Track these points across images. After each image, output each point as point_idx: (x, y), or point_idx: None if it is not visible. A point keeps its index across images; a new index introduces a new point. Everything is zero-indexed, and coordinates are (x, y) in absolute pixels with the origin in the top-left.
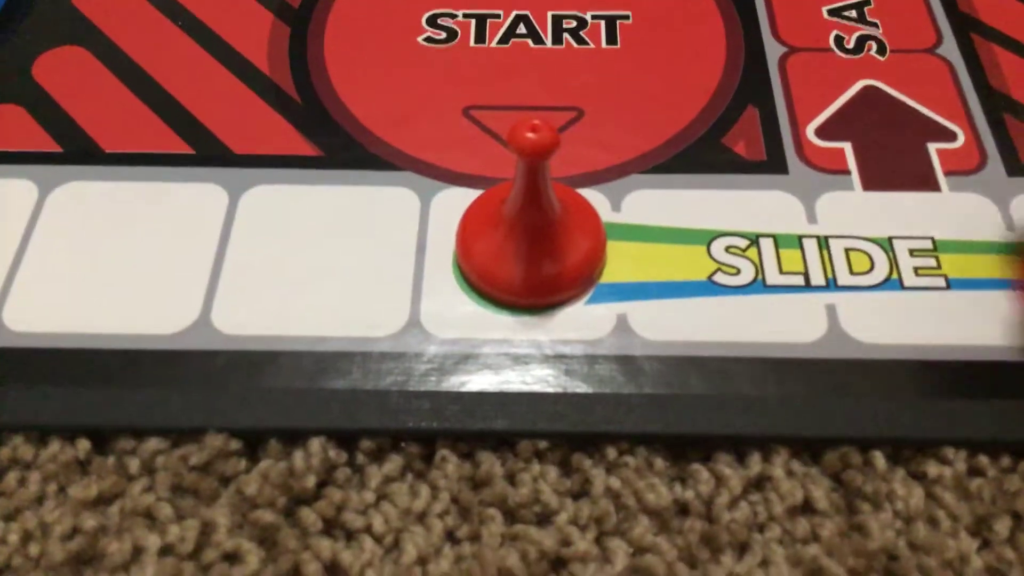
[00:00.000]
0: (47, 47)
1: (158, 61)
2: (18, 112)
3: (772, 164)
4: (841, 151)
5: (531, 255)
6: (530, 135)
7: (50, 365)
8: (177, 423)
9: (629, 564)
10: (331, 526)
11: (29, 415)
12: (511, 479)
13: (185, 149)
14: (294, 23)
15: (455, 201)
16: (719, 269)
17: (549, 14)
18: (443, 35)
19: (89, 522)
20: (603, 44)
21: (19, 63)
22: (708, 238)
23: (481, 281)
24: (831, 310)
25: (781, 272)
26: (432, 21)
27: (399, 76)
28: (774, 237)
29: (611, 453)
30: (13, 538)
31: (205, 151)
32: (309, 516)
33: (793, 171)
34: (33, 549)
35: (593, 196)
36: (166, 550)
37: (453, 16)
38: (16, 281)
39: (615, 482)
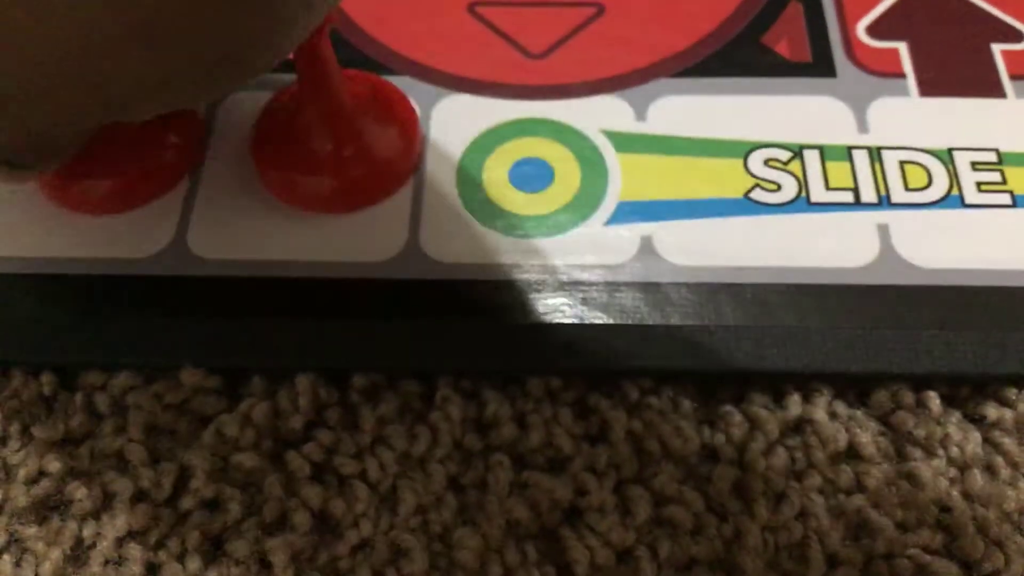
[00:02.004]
0: None
1: None
2: None
3: (818, 66)
4: (895, 51)
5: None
6: None
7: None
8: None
9: (651, 515)
10: (321, 471)
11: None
12: (520, 421)
13: None
14: None
15: (460, 109)
16: (757, 185)
17: None
18: None
19: (55, 464)
20: None
21: None
22: (745, 150)
23: None
24: (883, 230)
25: (828, 188)
26: None
27: None
28: (820, 148)
29: (632, 392)
30: None
31: None
32: (296, 460)
33: (841, 74)
34: None
35: (614, 103)
36: (140, 496)
37: None
38: None
39: (637, 425)
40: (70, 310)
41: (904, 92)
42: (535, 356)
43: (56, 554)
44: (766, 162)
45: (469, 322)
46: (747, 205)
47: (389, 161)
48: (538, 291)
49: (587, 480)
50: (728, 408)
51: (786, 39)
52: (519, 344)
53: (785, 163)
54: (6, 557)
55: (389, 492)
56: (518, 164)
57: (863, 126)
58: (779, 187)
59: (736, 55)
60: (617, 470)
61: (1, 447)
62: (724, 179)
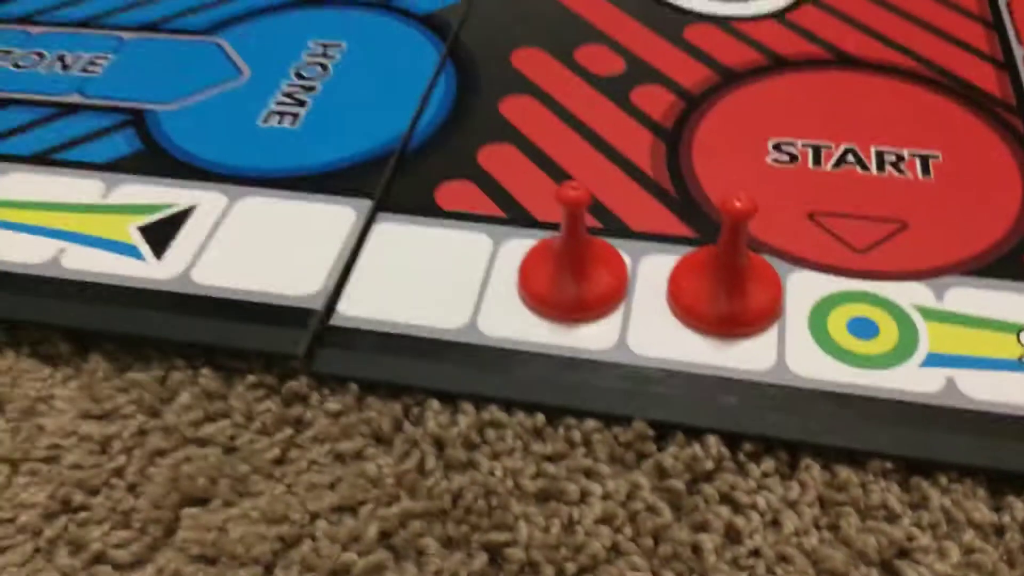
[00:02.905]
0: (486, 143)
1: (568, 160)
2: (471, 186)
3: None
4: None
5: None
6: (737, 203)
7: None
8: (611, 410)
9: (961, 560)
10: (724, 500)
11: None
12: (863, 487)
13: (596, 224)
14: (668, 141)
15: (805, 280)
16: None
17: (872, 148)
18: (786, 158)
19: (550, 469)
20: (919, 175)
21: (469, 152)
22: (1017, 329)
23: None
24: None
25: None
26: (777, 147)
27: (752, 184)
28: None
29: (943, 479)
30: (498, 472)
31: (611, 226)
32: (708, 490)
33: None
34: (508, 483)
35: (917, 288)
36: (605, 496)
37: (793, 144)
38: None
39: (947, 501)
40: None
41: None
42: (876, 444)
43: (556, 525)
44: None
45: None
46: (1020, 365)
47: (765, 306)
48: (874, 405)
49: (913, 531)
50: (1011, 498)
51: None
52: (864, 434)
53: None
54: (521, 523)
55: (771, 521)
56: (852, 320)
57: None
58: None
59: (1005, 266)
60: (933, 528)
61: (510, 456)
62: (1003, 347)
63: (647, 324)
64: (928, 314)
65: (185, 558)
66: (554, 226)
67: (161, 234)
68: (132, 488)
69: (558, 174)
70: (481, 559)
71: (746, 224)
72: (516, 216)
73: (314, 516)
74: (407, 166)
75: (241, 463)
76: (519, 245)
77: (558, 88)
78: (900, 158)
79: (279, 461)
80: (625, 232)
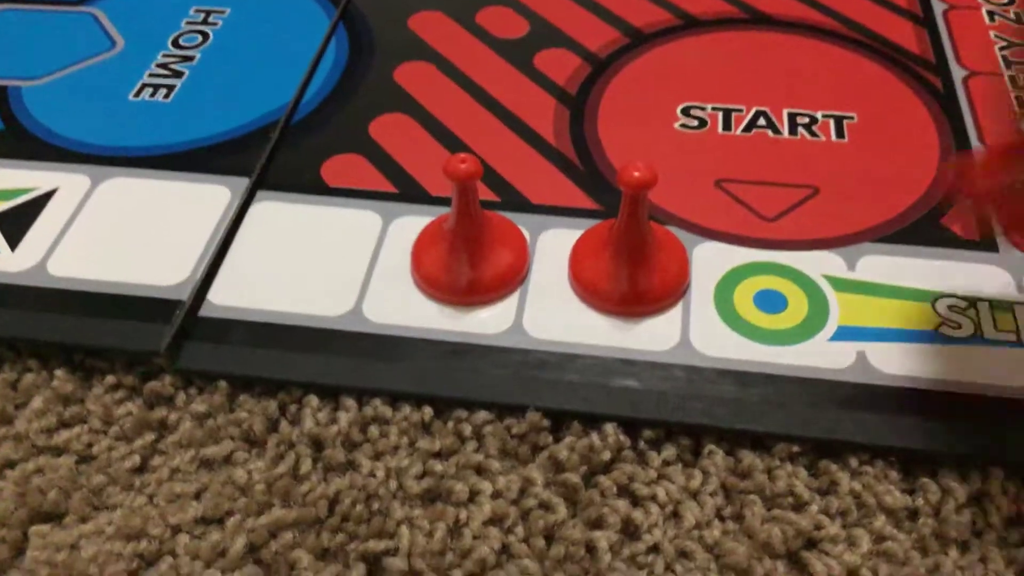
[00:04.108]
0: (379, 113)
1: (467, 130)
2: (360, 160)
3: (984, 243)
4: None
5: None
6: (636, 173)
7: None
8: (504, 399)
9: (872, 548)
10: (622, 493)
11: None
12: (768, 473)
13: (494, 197)
14: (573, 107)
15: (714, 252)
16: (944, 323)
17: (785, 111)
18: (695, 123)
19: (437, 467)
20: (833, 138)
21: (359, 123)
22: (933, 297)
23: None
24: None
25: (996, 330)
26: (686, 111)
27: (661, 152)
28: (989, 302)
29: (853, 461)
30: (380, 473)
31: (509, 199)
32: (606, 482)
33: (1003, 250)
34: (391, 484)
35: (829, 257)
36: (496, 495)
37: (703, 109)
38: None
39: (857, 485)
40: None
41: None
42: (781, 426)
43: (441, 529)
44: (949, 307)
45: (720, 395)
46: (936, 336)
47: (670, 282)
48: (778, 383)
49: (822, 519)
50: (925, 480)
51: (959, 223)
52: (770, 416)
53: (963, 309)
54: (403, 529)
55: (672, 513)
56: (759, 293)
57: (1021, 288)
58: (960, 326)
59: (922, 231)
60: (843, 515)
61: (395, 453)
62: (919, 316)
63: (545, 305)
64: (839, 284)
65: None
66: (449, 201)
67: (17, 222)
68: None
69: (455, 145)
70: (359, 570)
71: (645, 195)
72: (408, 191)
73: (175, 530)
74: (291, 140)
75: (97, 473)
76: (411, 223)
77: (457, 53)
78: (813, 120)
79: (139, 469)
80: (526, 206)
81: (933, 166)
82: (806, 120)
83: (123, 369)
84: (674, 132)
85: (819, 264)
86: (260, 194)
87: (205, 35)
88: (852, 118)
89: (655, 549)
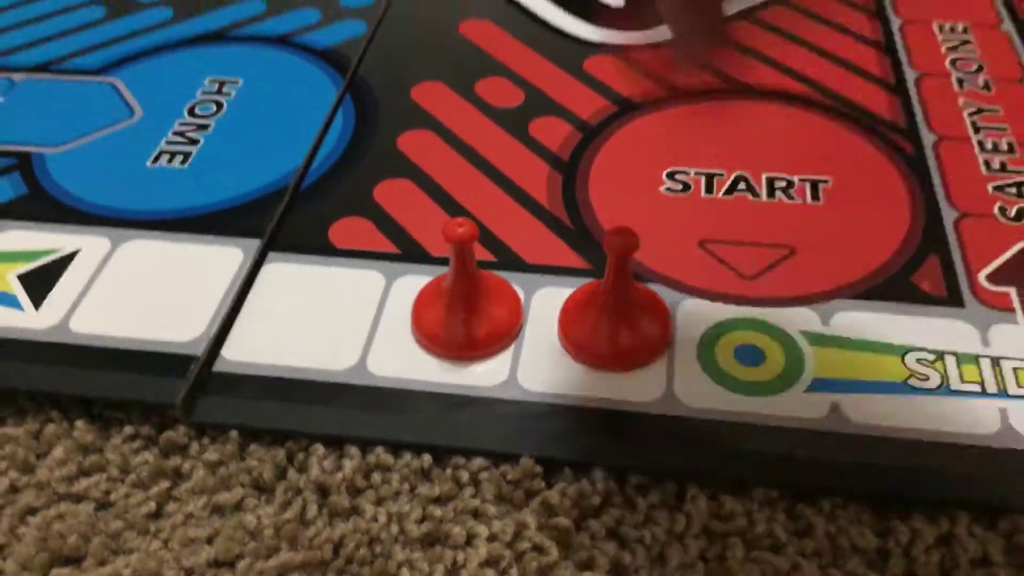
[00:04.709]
0: (383, 178)
1: (465, 194)
2: (365, 223)
3: (951, 299)
4: (1007, 294)
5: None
6: (618, 238)
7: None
8: (499, 448)
9: None
10: (611, 536)
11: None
12: (748, 517)
13: (490, 257)
14: (565, 172)
15: (696, 309)
16: (912, 375)
17: (763, 175)
18: (680, 187)
19: (436, 512)
20: (809, 200)
21: (365, 188)
22: (903, 351)
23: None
24: (1003, 412)
25: (962, 382)
26: (671, 175)
27: (647, 214)
28: (955, 355)
29: (826, 506)
30: (382, 518)
31: (505, 259)
32: (595, 525)
33: (969, 306)
34: (393, 528)
35: (805, 313)
36: (492, 538)
37: (687, 173)
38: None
39: (832, 528)
40: None
41: (1014, 321)
42: (761, 473)
43: (440, 571)
44: (917, 360)
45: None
46: (905, 387)
47: (653, 339)
48: (767, 435)
49: (799, 560)
50: (895, 522)
51: (928, 281)
52: (751, 463)
53: (931, 362)
54: (404, 570)
55: (658, 556)
56: (739, 347)
57: (986, 342)
58: (928, 378)
59: (892, 289)
60: (818, 555)
61: (395, 499)
62: (888, 369)
63: (538, 359)
64: (814, 339)
65: None
66: (448, 261)
67: (41, 282)
68: (0, 550)
69: (454, 209)
70: None
71: (629, 257)
72: (410, 252)
73: (189, 572)
74: (301, 204)
75: (115, 519)
76: (413, 281)
77: (457, 122)
78: (790, 184)
79: (155, 515)
80: (520, 265)
81: (904, 227)
82: (784, 184)
83: (140, 420)
84: (660, 195)
85: (795, 320)
86: (271, 255)
87: (219, 104)
88: (827, 182)
89: None
